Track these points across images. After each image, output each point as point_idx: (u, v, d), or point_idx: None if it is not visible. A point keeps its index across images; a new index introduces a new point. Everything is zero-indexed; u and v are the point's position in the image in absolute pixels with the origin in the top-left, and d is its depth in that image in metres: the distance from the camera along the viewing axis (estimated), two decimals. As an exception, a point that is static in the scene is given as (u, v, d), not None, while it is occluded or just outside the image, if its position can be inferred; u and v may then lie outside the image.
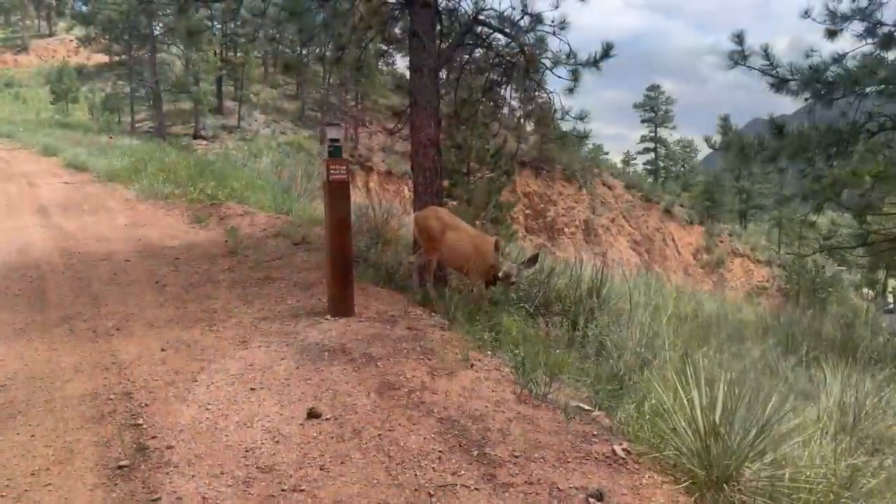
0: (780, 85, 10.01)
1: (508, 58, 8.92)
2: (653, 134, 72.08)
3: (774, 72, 9.94)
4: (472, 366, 4.76)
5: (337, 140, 6.05)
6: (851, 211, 10.12)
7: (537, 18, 8.67)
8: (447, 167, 25.96)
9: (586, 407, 4.38)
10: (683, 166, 76.26)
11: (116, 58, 39.04)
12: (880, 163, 8.76)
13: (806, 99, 9.79)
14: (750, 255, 64.11)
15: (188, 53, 37.32)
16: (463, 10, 8.99)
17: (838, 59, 10.30)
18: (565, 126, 9.00)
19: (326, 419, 3.95)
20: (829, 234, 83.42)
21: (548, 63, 8.97)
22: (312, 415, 3.97)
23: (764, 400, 3.86)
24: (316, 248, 8.39)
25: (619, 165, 71.98)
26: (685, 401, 3.73)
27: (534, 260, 6.41)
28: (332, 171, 5.88)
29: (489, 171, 25.07)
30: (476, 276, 6.51)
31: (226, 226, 10.00)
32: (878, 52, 10.16)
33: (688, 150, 76.45)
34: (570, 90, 9.03)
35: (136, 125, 38.31)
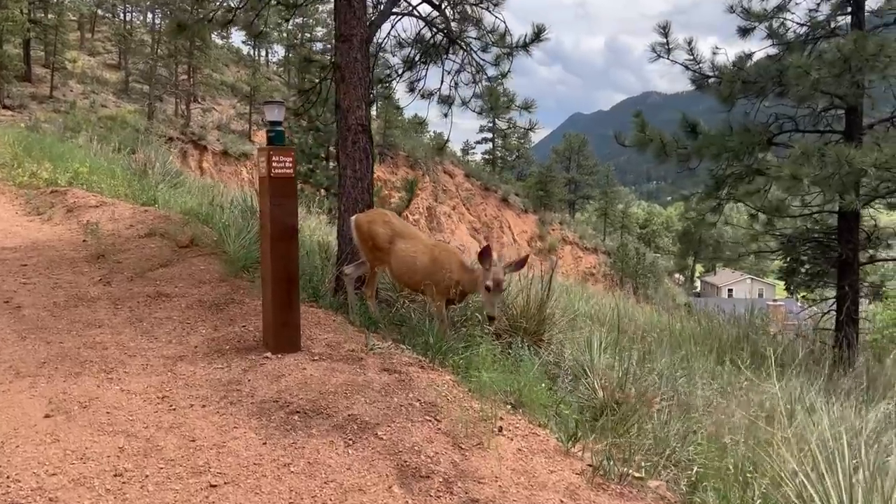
0: (700, 82, 9.70)
1: (437, 30, 7.76)
2: (491, 124, 73.42)
3: (697, 68, 9.60)
4: (500, 429, 3.63)
5: (278, 123, 4.63)
6: (764, 211, 10.05)
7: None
8: (304, 150, 24.23)
9: (654, 483, 3.44)
10: (519, 157, 78.61)
11: None
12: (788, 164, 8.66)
13: (727, 99, 9.53)
14: (579, 242, 67.43)
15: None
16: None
17: (744, 59, 10.21)
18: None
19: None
20: (644, 223, 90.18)
21: (476, 44, 7.98)
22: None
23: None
24: (210, 253, 6.79)
25: (459, 154, 72.75)
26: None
27: (521, 264, 5.37)
28: (274, 164, 4.47)
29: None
30: (436, 295, 5.36)
31: (78, 219, 8.01)
32: (780, 54, 10.15)
33: (522, 141, 78.77)
34: (504, 75, 8.07)
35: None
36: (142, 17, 51.54)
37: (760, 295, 64.71)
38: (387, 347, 4.71)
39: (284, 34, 56.83)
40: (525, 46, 8.03)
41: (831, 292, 11.56)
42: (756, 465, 3.82)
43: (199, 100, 47.30)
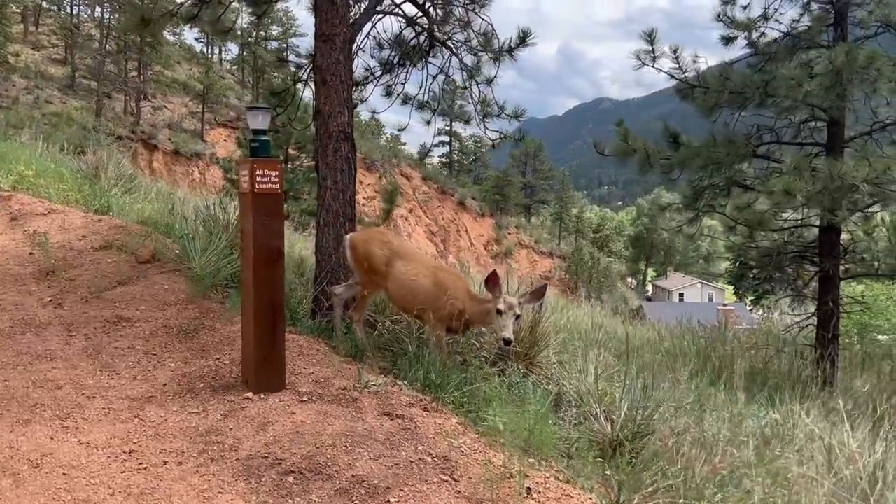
0: (686, 92, 9.43)
1: (421, 31, 7.30)
2: (448, 128, 73.16)
3: (683, 77, 9.34)
4: (528, 490, 3.18)
5: (262, 132, 4.11)
6: (746, 223, 9.83)
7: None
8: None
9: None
10: (475, 160, 78.58)
11: None
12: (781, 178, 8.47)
13: (711, 109, 9.29)
14: (534, 246, 67.75)
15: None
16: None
17: (727, 68, 10.00)
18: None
19: None
20: (597, 227, 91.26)
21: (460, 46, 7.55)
22: None
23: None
24: (174, 269, 6.18)
25: (415, 157, 72.27)
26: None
27: (539, 293, 4.91)
28: (258, 178, 3.95)
29: (309, 159, 22.96)
30: (436, 322, 4.90)
31: (23, 229, 7.29)
32: (760, 64, 9.98)
33: (479, 144, 78.73)
34: (489, 81, 7.66)
35: None
36: (89, 11, 49.68)
37: (710, 299, 65.88)
38: (382, 384, 4.21)
39: (239, 32, 55.54)
40: (510, 51, 7.64)
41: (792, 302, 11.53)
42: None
43: (150, 97, 45.76)
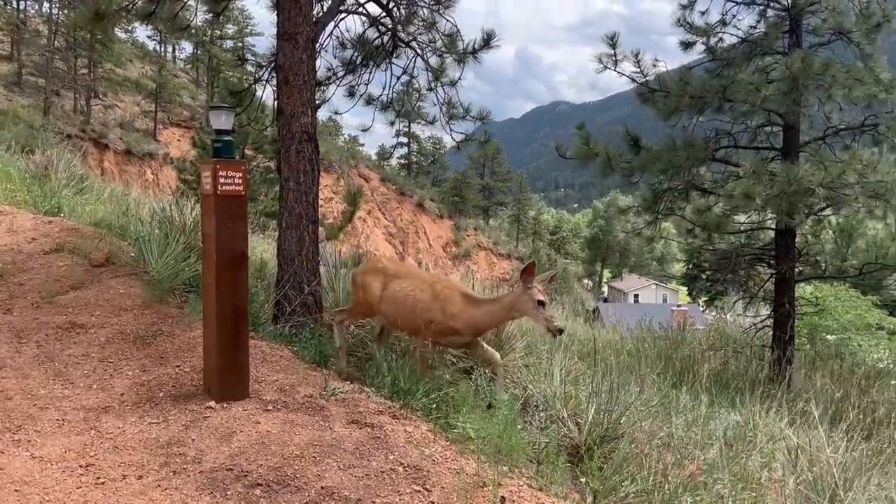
0: (647, 96, 9.52)
1: (386, 30, 7.21)
2: (407, 129, 73.06)
3: (644, 81, 9.42)
4: (503, 500, 3.12)
5: (226, 132, 3.98)
6: (705, 226, 9.96)
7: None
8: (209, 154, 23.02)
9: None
10: (434, 162, 78.62)
11: None
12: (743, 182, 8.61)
13: (671, 114, 9.40)
14: (493, 248, 68.00)
15: None
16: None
17: (686, 73, 10.14)
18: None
19: None
20: (554, 229, 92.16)
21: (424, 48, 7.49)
22: None
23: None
24: (129, 273, 5.97)
25: (374, 158, 71.99)
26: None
27: (551, 278, 4.81)
28: (221, 179, 3.82)
29: (267, 159, 22.61)
30: (438, 336, 4.71)
31: (-32, 231, 6.98)
32: (718, 69, 10.14)
33: (438, 146, 78.78)
34: (454, 83, 7.61)
35: None
36: (36, 6, 48.15)
37: (664, 300, 66.97)
38: (349, 391, 4.12)
39: (193, 30, 54.53)
40: (475, 53, 7.60)
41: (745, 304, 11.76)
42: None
43: (101, 96, 44.58)
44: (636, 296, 71.77)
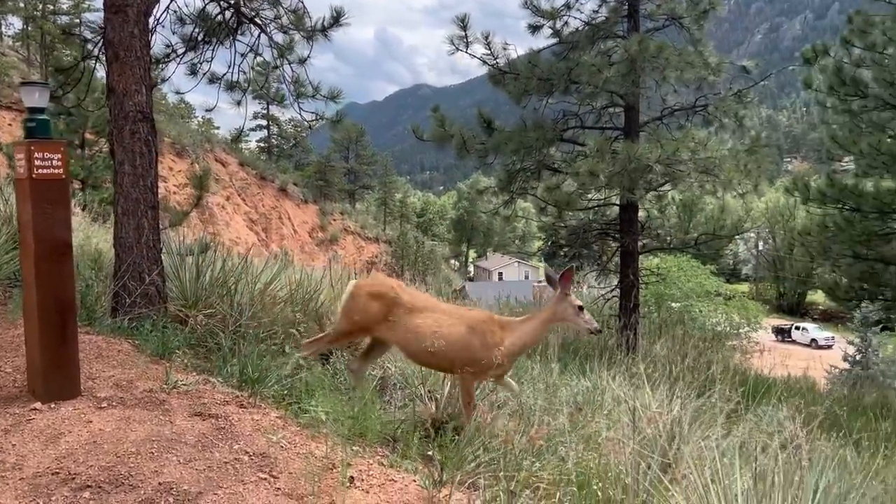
0: (498, 78, 9.75)
1: (225, 8, 6.90)
2: (265, 111, 70.80)
3: (495, 63, 9.63)
4: (352, 479, 3.09)
5: (40, 110, 3.65)
6: (556, 204, 10.38)
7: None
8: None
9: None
10: (296, 145, 76.80)
11: None
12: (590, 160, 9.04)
13: (521, 96, 9.68)
14: (360, 232, 67.58)
15: None
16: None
17: (535, 56, 10.47)
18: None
19: None
20: (421, 212, 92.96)
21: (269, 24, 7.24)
22: None
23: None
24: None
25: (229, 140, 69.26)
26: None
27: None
28: (36, 162, 3.50)
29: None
30: (480, 373, 4.30)
31: None
32: (564, 52, 10.56)
33: (299, 129, 76.97)
34: (303, 61, 7.42)
35: None
36: None
37: (527, 277, 69.41)
38: (194, 383, 3.94)
39: (22, 4, 49.90)
40: (324, 31, 7.46)
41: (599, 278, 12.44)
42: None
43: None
44: (500, 274, 73.83)
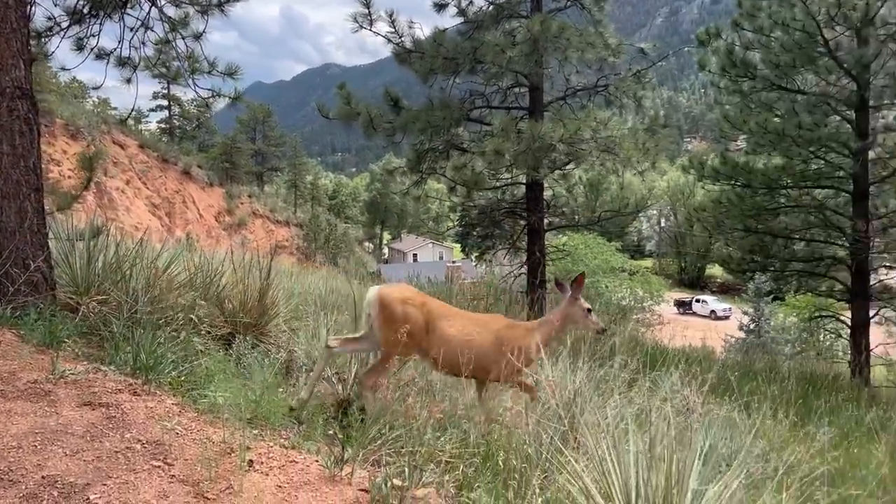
0: (404, 57, 9.68)
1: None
2: (166, 91, 67.95)
3: (400, 41, 9.55)
4: (250, 463, 3.03)
5: None
6: (465, 183, 10.44)
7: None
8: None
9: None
10: (199, 126, 74.14)
11: None
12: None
13: (427, 75, 9.66)
14: (269, 216, 66.11)
15: None
16: None
17: (441, 34, 10.47)
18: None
19: None
20: (333, 194, 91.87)
21: None
22: None
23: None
24: None
25: (131, 123, 66.15)
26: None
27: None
28: None
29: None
30: (511, 376, 4.37)
31: None
32: (470, 32, 10.61)
33: (202, 109, 74.32)
34: (198, 36, 7.13)
35: None
36: None
37: (441, 257, 69.96)
38: (83, 372, 3.76)
39: None
40: (220, 5, 7.20)
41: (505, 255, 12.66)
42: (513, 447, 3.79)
43: None
44: (415, 255, 74.05)
